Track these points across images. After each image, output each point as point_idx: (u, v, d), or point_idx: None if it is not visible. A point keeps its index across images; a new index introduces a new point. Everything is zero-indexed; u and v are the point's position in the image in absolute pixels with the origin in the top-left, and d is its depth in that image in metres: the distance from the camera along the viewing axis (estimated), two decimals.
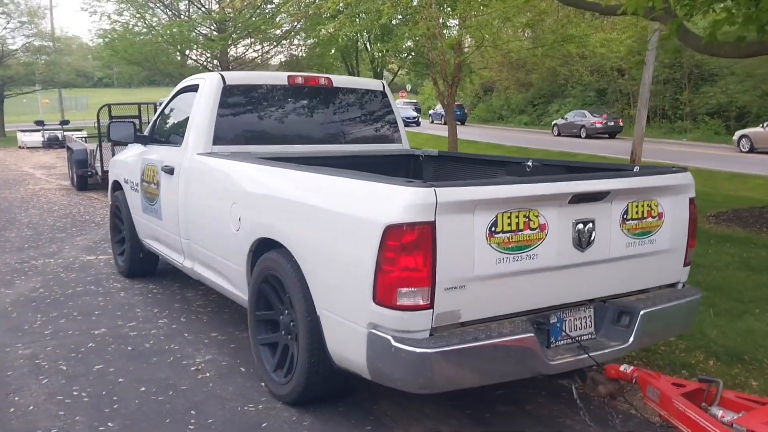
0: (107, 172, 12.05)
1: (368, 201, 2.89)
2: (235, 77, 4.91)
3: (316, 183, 3.38)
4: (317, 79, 5.16)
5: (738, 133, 24.56)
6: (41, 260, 7.20)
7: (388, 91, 5.50)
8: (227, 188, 4.16)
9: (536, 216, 2.90)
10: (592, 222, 3.09)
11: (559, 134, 32.84)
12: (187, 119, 4.94)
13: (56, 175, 16.36)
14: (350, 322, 2.96)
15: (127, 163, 6.05)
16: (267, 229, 3.62)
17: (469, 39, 18.02)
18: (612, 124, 31.36)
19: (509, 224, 2.83)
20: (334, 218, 3.08)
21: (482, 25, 16.70)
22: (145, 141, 5.68)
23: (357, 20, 17.79)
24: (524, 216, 2.87)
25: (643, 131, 18.66)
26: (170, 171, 4.89)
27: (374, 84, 5.50)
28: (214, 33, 22.79)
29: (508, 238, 2.84)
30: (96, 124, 12.53)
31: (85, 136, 17.98)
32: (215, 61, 23.25)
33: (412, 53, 20.43)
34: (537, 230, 2.91)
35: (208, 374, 4.05)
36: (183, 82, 5.42)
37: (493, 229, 2.79)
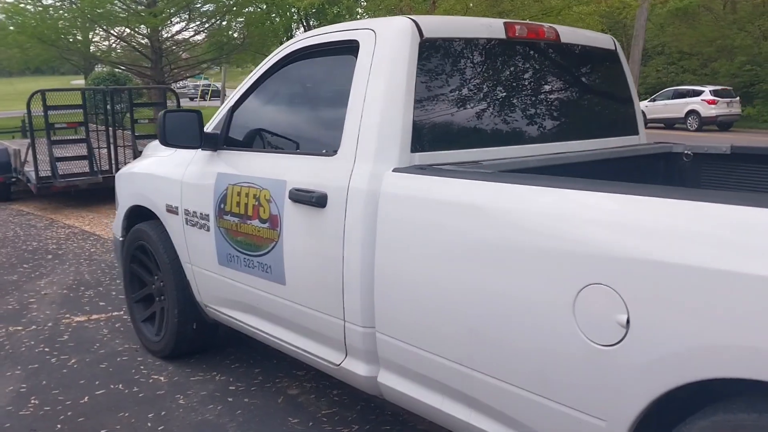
0: (45, 179, 9.35)
1: None
2: (436, 25, 2.67)
3: None
4: (542, 29, 3.00)
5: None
6: (4, 328, 4.66)
7: (621, 51, 3.43)
8: (565, 249, 1.87)
9: None
10: None
11: None
12: (334, 106, 2.71)
13: None
14: None
15: (171, 179, 3.65)
16: None
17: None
18: None
19: None
20: None
21: None
22: (214, 144, 3.36)
23: None
24: None
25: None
26: (316, 201, 2.63)
27: (603, 40, 3.39)
28: (140, 7, 19.70)
29: None
30: (26, 116, 9.65)
31: None
32: (145, 41, 20.13)
33: None
34: None
35: None
36: (303, 40, 3.09)
37: None
